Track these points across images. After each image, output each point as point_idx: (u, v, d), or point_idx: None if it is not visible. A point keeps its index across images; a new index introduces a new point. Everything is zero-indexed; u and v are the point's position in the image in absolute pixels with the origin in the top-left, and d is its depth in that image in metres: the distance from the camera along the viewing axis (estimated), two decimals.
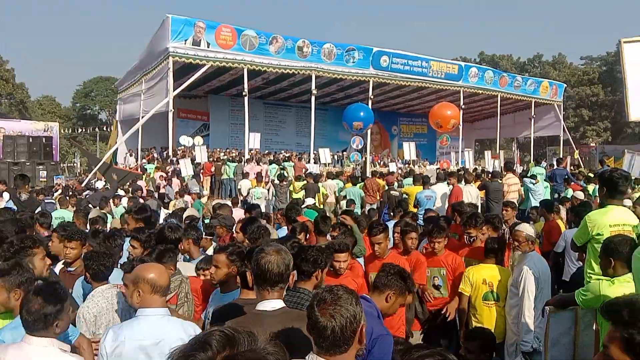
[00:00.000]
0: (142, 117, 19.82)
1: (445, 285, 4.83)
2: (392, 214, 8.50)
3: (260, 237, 4.33)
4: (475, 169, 22.60)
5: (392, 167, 22.34)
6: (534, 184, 11.11)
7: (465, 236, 5.30)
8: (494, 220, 5.44)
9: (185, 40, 18.24)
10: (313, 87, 21.59)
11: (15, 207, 7.27)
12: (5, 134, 26.87)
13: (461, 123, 23.71)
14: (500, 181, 11.02)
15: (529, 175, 11.99)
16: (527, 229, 4.50)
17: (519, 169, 20.29)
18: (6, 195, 13.78)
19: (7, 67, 43.32)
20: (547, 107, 31.36)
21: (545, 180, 12.23)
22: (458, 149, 26.53)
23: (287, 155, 23.91)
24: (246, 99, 19.89)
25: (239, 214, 8.61)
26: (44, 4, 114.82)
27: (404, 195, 11.31)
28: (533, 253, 4.43)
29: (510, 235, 4.98)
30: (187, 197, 12.92)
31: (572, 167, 21.98)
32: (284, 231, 6.36)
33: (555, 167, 14.01)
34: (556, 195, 11.59)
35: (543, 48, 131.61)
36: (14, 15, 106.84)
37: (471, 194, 10.36)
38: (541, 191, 11.17)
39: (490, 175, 12.64)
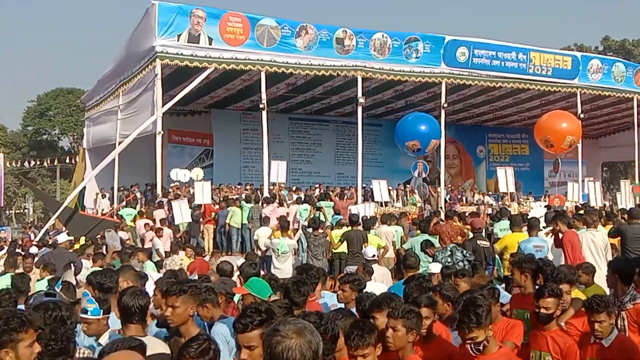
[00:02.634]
0: (120, 143, 20.37)
1: None
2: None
3: None
4: (604, 206, 22.12)
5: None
6: None
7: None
8: None
9: (179, 36, 18.67)
10: (359, 94, 21.76)
11: None
12: None
13: (581, 140, 23.39)
14: None
15: None
16: None
17: None
18: None
19: None
20: None
21: None
22: (577, 177, 26.02)
23: (324, 191, 23.95)
24: (264, 113, 20.24)
25: None
26: None
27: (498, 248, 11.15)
28: None
29: None
30: (181, 254, 13.12)
31: None
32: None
33: None
34: None
35: None
36: None
37: (595, 242, 10.10)
38: None
39: (628, 215, 12.32)
